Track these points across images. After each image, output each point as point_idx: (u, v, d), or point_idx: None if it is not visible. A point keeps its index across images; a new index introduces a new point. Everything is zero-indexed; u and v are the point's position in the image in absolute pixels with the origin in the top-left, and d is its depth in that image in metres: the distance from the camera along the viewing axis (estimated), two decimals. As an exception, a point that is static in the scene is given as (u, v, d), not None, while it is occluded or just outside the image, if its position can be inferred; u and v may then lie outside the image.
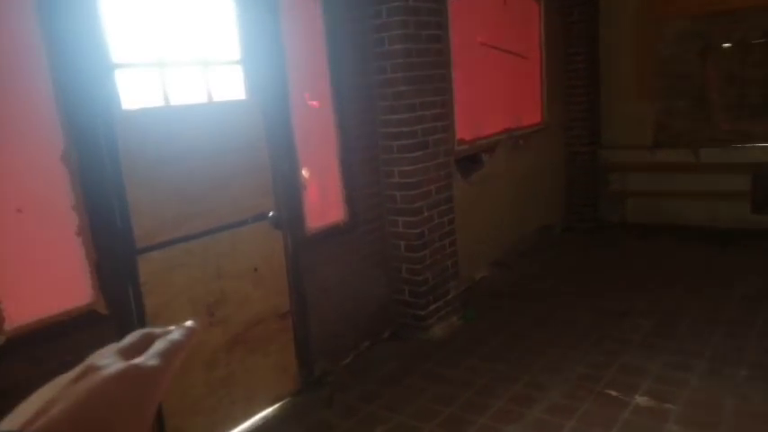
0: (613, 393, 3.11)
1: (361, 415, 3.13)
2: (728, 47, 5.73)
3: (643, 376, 3.24)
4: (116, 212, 2.50)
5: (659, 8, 5.92)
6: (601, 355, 3.54)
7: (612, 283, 4.75)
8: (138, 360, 0.45)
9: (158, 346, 0.47)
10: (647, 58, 6.08)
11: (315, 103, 3.47)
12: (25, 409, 0.41)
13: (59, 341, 2.32)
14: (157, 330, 0.50)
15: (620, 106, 6.33)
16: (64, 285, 2.34)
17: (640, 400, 3.03)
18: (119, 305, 2.50)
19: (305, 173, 3.39)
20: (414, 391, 3.32)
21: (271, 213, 3.19)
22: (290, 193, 3.27)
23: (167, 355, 0.47)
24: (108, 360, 0.45)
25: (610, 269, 5.13)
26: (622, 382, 3.20)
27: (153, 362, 0.45)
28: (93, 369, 0.43)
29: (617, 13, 6.17)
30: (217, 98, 2.95)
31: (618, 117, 6.35)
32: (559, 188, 6.38)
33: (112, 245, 2.48)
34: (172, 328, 0.50)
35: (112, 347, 0.47)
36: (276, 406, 3.26)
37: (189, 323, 0.52)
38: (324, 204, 3.53)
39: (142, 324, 2.60)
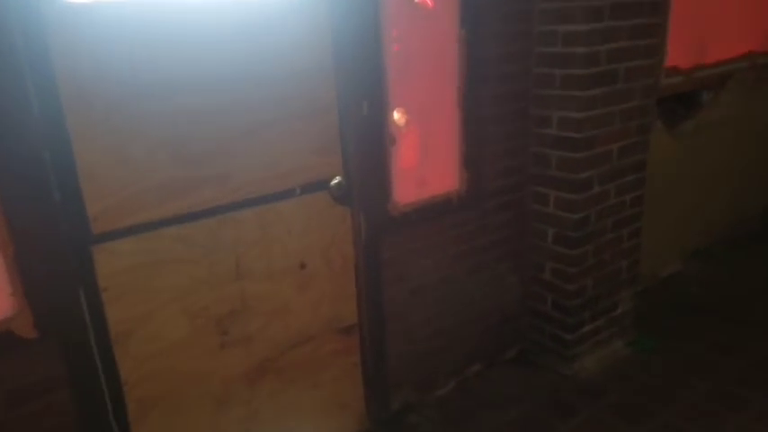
0: None
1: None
2: None
3: None
4: (51, 177, 1.53)
5: None
6: None
7: None
8: None
9: None
10: None
11: None
12: None
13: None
14: None
15: None
16: (-44, 293, 1.47)
17: None
18: (60, 322, 1.60)
19: (397, 117, 2.14)
20: (532, 479, 2.11)
21: (335, 180, 2.04)
22: (368, 149, 2.07)
23: None
24: None
25: None
26: None
27: None
28: None
29: None
30: (250, -12, 1.78)
31: None
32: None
33: (47, 229, 1.54)
34: None
35: None
36: (326, 454, 2.28)
37: None
38: (425, 167, 2.27)
39: (105, 350, 1.70)
